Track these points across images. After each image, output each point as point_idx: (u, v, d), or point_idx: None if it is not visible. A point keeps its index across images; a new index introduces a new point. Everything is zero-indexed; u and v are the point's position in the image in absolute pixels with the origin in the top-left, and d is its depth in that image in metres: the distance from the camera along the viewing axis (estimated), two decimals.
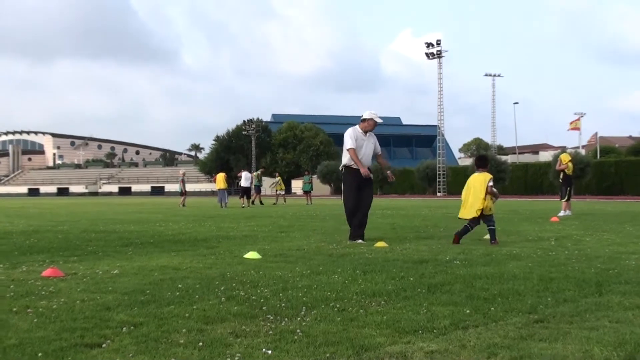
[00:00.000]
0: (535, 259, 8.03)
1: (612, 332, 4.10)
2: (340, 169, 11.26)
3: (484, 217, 10.31)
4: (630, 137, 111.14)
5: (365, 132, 11.07)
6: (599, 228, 13.43)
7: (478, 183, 10.33)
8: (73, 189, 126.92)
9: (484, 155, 11.21)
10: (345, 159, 11.08)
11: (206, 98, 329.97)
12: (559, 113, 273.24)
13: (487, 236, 10.94)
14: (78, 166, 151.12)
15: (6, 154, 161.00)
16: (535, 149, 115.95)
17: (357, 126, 11.16)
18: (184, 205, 33.26)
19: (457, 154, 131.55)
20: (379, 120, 11.13)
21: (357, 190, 11.00)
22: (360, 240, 10.72)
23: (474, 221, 10.33)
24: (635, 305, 4.96)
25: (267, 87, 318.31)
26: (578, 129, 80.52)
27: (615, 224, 14.79)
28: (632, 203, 32.30)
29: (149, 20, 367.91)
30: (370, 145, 11.13)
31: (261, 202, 36.44)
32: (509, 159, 79.52)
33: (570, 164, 20.34)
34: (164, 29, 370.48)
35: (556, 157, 50.63)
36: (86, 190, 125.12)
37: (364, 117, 11.07)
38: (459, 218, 10.66)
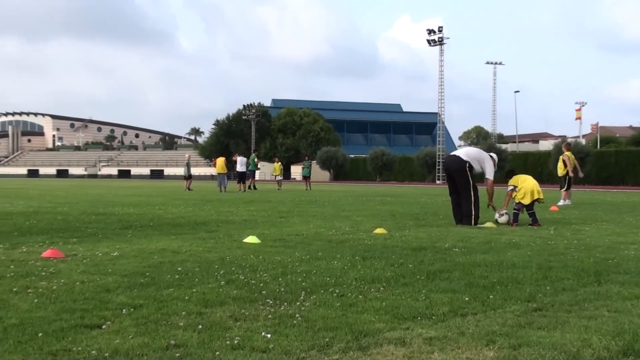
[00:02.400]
0: (535, 247, 8.05)
1: (611, 321, 4.12)
2: (468, 167, 11.83)
3: (531, 205, 11.54)
4: (630, 127, 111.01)
5: None
6: (598, 218, 13.45)
7: (529, 176, 11.95)
8: (72, 170, 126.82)
9: (512, 170, 12.66)
10: (476, 167, 11.92)
11: (203, 82, 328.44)
12: (559, 102, 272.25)
13: (488, 224, 11.11)
14: (77, 148, 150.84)
15: (6, 135, 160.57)
16: (535, 138, 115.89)
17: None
18: (189, 189, 33.15)
19: (457, 142, 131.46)
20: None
21: None
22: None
23: (523, 205, 11.59)
24: (634, 295, 4.97)
25: (263, 72, 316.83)
26: (580, 118, 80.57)
27: (615, 214, 14.81)
28: (631, 193, 32.32)
29: (143, 1, 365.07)
30: None
31: (255, 187, 36.12)
32: (509, 147, 79.47)
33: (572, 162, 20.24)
34: (158, 11, 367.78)
35: (557, 147, 50.59)
36: (85, 173, 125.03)
37: (495, 157, 12.39)
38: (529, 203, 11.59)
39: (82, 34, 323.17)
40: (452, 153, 12.36)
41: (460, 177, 11.75)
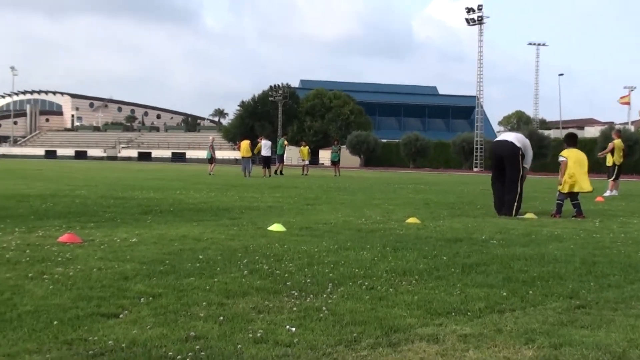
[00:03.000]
0: (578, 240, 7.95)
1: None
2: (520, 155, 11.72)
3: (575, 195, 11.36)
4: None
5: None
6: None
7: (583, 159, 11.51)
8: (91, 152, 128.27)
9: (574, 134, 12.48)
10: (527, 154, 11.80)
11: (229, 62, 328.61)
12: (606, 86, 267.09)
13: (528, 215, 10.98)
14: (97, 129, 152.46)
15: (23, 114, 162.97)
16: (580, 124, 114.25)
17: None
18: (212, 173, 33.26)
19: (496, 127, 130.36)
20: None
21: None
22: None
23: (566, 195, 11.38)
24: None
25: (292, 52, 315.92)
26: (628, 103, 79.10)
27: None
28: None
29: None
30: None
31: (281, 172, 35.97)
32: (552, 134, 78.51)
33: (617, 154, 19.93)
34: None
35: (604, 134, 49.79)
36: (104, 155, 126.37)
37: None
38: (569, 193, 11.40)
39: (106, 11, 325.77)
40: (502, 138, 12.08)
41: (512, 164, 11.57)
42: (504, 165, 11.65)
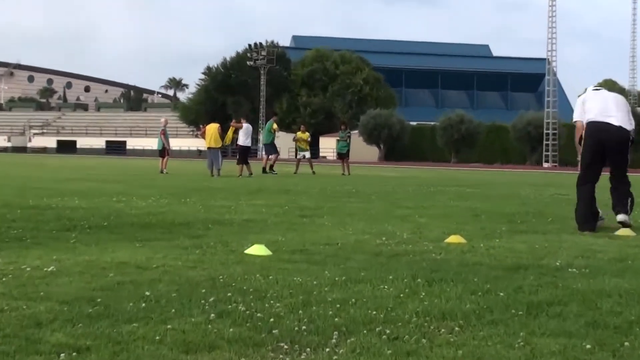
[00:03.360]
0: None
1: None
2: (632, 138, 11.88)
3: None
4: None
5: None
6: None
7: None
8: None
9: None
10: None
11: (190, 12, 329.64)
12: None
13: (622, 231, 10.96)
14: None
15: None
16: None
17: None
18: (164, 171, 33.15)
19: (574, 103, 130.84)
20: None
21: None
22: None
23: None
24: None
25: None
26: None
27: None
28: None
29: None
30: None
31: (269, 169, 35.67)
32: None
33: None
34: None
35: None
36: (8, 144, 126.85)
37: None
38: None
39: None
40: (606, 120, 11.68)
41: (622, 156, 11.74)
42: (604, 157, 11.64)
